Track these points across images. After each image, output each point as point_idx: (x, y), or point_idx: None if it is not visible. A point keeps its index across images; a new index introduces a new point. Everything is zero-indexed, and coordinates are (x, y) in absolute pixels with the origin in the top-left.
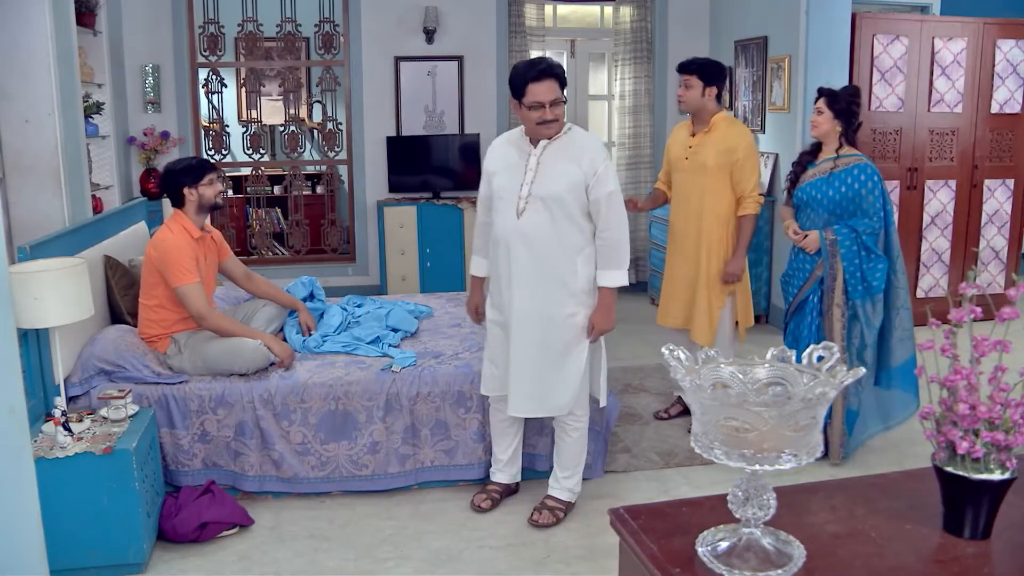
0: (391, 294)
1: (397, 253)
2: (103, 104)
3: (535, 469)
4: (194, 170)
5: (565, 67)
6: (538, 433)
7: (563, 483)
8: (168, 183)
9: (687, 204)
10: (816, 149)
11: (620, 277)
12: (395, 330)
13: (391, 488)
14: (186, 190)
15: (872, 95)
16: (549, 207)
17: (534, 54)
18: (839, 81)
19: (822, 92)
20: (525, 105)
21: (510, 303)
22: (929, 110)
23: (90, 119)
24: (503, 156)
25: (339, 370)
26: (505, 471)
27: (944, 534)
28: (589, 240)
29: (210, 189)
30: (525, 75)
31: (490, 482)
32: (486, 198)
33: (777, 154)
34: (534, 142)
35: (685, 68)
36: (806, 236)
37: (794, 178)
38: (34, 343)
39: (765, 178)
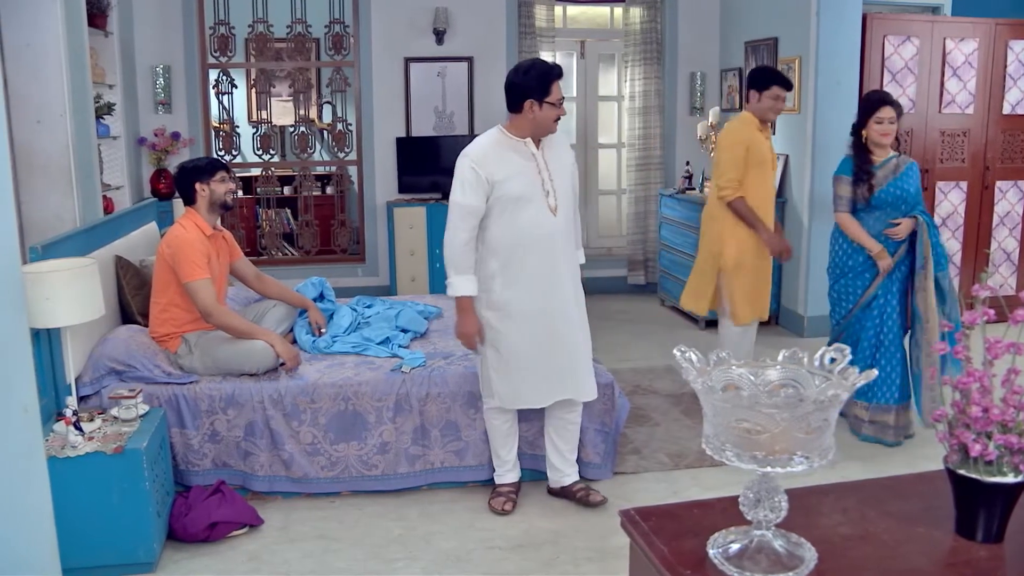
0: (401, 295)
1: (407, 254)
2: (114, 105)
3: (540, 470)
4: (206, 167)
5: (575, 68)
6: (540, 434)
7: (575, 466)
8: (181, 180)
9: (773, 199)
10: (862, 153)
11: (583, 254)
12: (405, 331)
13: (400, 489)
14: (198, 185)
15: None
16: (567, 201)
17: (544, 55)
18: (850, 82)
19: (889, 101)
20: (547, 102)
21: (554, 300)
22: (940, 111)
23: (101, 120)
24: (504, 162)
25: (349, 370)
26: (514, 470)
27: (957, 537)
28: None
29: (221, 186)
30: (551, 73)
31: (503, 485)
32: (478, 210)
33: (788, 155)
34: (535, 142)
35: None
36: (898, 224)
37: (870, 183)
38: (45, 343)
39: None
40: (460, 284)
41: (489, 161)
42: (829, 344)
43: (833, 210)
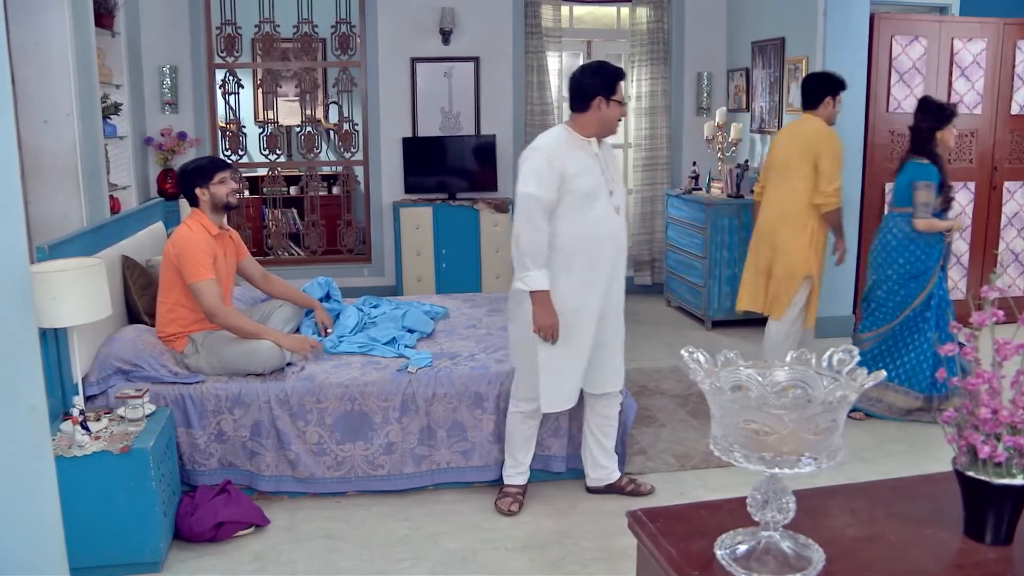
0: (407, 295)
1: (413, 254)
2: (121, 105)
3: (550, 471)
4: (205, 170)
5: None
6: (553, 435)
7: (615, 459)
8: (181, 183)
9: None
10: (940, 160)
11: None
12: (411, 331)
13: (407, 489)
14: (198, 190)
15: (890, 97)
16: (619, 200)
17: (551, 55)
18: (857, 83)
19: (956, 112)
20: (614, 100)
21: (608, 297)
22: None
23: (108, 120)
24: (574, 157)
25: (355, 371)
26: (525, 472)
27: (965, 539)
28: None
29: (222, 188)
30: (617, 74)
31: (512, 486)
32: (550, 204)
33: None
34: (596, 141)
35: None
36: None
37: (949, 187)
38: (52, 342)
39: None
40: (540, 278)
41: (564, 154)
42: (877, 349)
43: (913, 216)
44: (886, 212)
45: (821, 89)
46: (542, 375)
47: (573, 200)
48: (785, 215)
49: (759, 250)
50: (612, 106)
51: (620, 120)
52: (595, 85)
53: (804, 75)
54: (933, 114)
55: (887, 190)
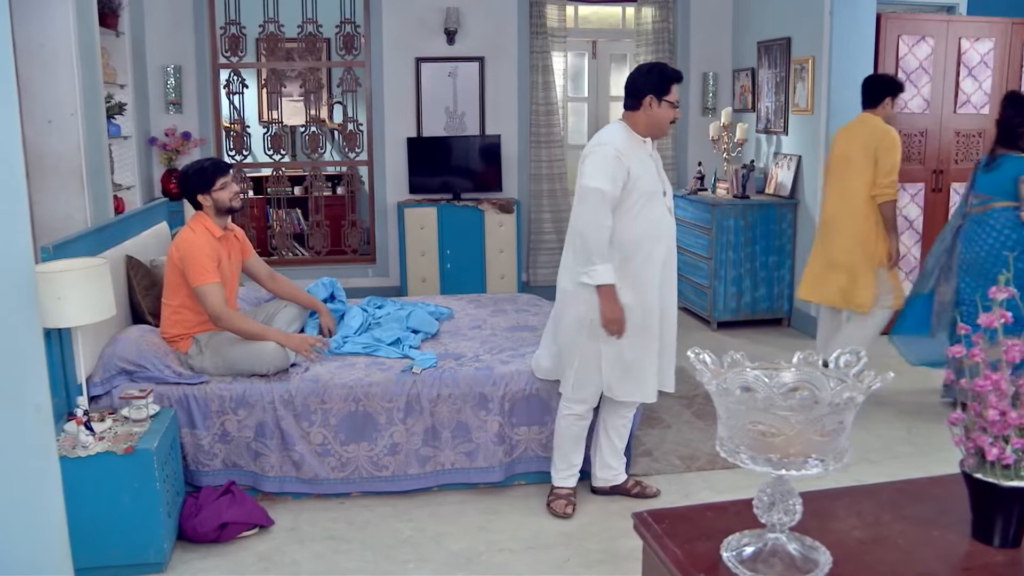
0: (411, 295)
1: (417, 254)
2: (125, 104)
3: (546, 471)
4: (206, 174)
5: (586, 68)
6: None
7: (623, 461)
8: (183, 188)
9: None
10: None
11: None
12: (415, 331)
13: (411, 490)
14: (200, 196)
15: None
16: (671, 201)
17: (556, 55)
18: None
19: None
20: (666, 100)
21: (663, 296)
22: (955, 111)
23: (112, 119)
24: (636, 156)
25: (359, 371)
26: (576, 474)
27: (973, 542)
28: None
29: (224, 193)
30: (672, 75)
31: (563, 487)
32: (615, 199)
33: (800, 156)
34: (649, 141)
35: None
36: None
37: None
38: (56, 342)
39: (788, 180)
40: (606, 272)
41: (627, 153)
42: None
43: (1020, 211)
44: (968, 211)
45: (882, 90)
46: (619, 371)
47: (636, 198)
48: (848, 209)
49: (826, 242)
50: (664, 107)
51: (673, 122)
52: (648, 84)
53: (809, 75)
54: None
55: None
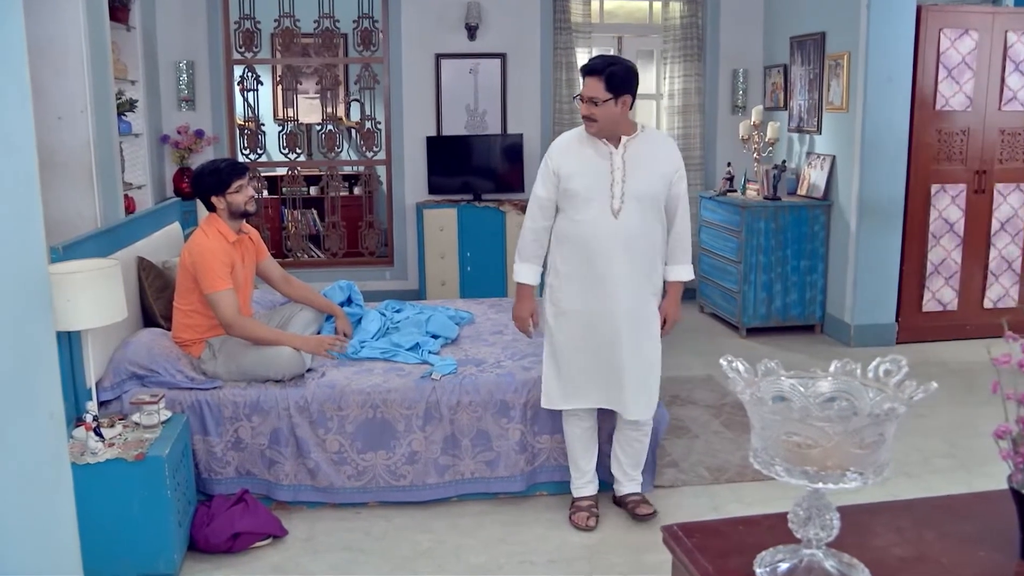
0: (430, 299)
1: (437, 257)
2: (136, 101)
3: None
4: (221, 177)
5: None
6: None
7: (637, 479)
8: (196, 189)
9: None
10: None
11: (690, 271)
12: (435, 336)
13: (429, 500)
14: (214, 198)
15: (938, 93)
16: (643, 206)
17: (580, 51)
18: (902, 79)
19: None
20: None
21: (603, 305)
22: (1000, 108)
23: (123, 116)
24: (577, 156)
25: (377, 377)
26: (593, 481)
27: (1021, 563)
28: (665, 236)
29: (239, 196)
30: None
31: (583, 498)
32: (549, 201)
33: (834, 156)
34: (613, 141)
35: None
36: None
37: None
38: (66, 346)
39: (821, 181)
40: (521, 271)
41: (564, 152)
42: None
43: None
44: None
45: None
46: (544, 369)
47: (568, 199)
48: None
49: None
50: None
51: (584, 117)
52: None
53: (844, 72)
54: None
55: (932, 192)
